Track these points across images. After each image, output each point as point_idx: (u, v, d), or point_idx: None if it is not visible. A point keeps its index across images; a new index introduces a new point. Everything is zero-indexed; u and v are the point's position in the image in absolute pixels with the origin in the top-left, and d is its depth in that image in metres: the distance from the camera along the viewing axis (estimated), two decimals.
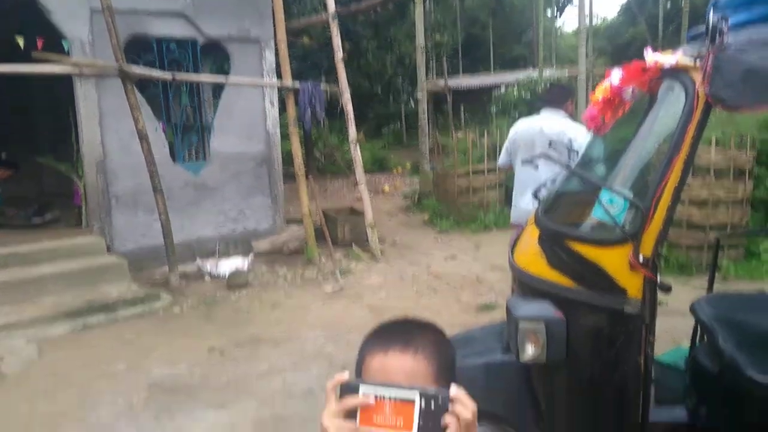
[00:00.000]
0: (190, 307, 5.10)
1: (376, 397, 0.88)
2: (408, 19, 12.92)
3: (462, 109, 19.26)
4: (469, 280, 5.68)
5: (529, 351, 1.94)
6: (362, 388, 0.89)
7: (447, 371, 1.02)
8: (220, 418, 3.15)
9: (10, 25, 5.34)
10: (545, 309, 1.96)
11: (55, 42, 5.53)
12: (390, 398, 0.88)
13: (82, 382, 3.61)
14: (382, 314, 4.75)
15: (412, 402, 0.87)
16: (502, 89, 15.52)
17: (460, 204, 8.34)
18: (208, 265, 6.11)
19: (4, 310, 4.60)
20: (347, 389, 0.90)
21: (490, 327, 2.64)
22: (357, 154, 6.90)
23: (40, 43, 5.27)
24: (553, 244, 2.03)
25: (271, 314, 4.89)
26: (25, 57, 5.17)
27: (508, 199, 8.51)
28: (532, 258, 2.11)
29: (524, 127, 3.99)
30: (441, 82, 18.67)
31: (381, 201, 10.68)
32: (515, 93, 14.35)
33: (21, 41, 5.16)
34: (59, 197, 7.26)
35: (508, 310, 2.12)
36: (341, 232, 7.20)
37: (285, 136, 7.39)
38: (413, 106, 21.73)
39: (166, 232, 5.58)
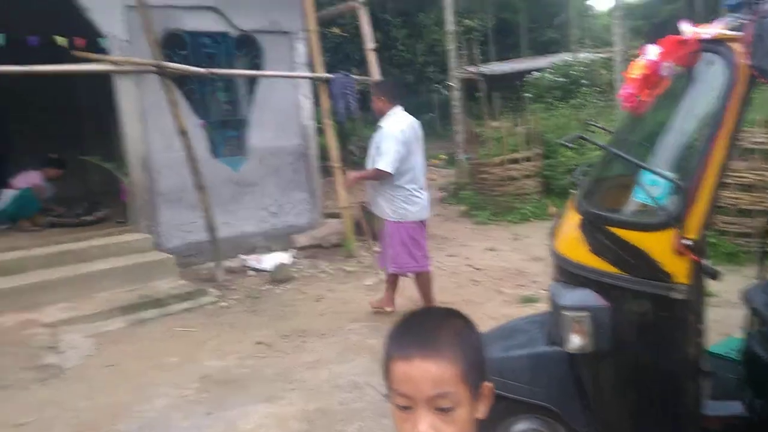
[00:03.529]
0: (236, 301, 5.25)
1: None
2: (437, 5, 12.80)
3: (495, 96, 19.03)
4: (509, 272, 5.67)
5: (574, 340, 1.95)
6: None
7: (475, 367, 0.98)
8: (270, 410, 3.26)
9: (51, 26, 5.51)
10: (589, 297, 1.96)
11: (95, 42, 5.70)
12: None
13: (138, 374, 3.77)
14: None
15: None
16: (535, 74, 15.29)
17: (498, 194, 8.29)
18: (252, 260, 6.26)
19: (62, 305, 4.83)
20: None
21: (533, 317, 2.66)
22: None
23: (81, 43, 5.42)
24: (595, 230, 2.01)
25: (315, 307, 5.00)
26: (67, 57, 5.34)
27: (547, 188, 8.43)
28: (573, 244, 2.10)
29: (407, 126, 4.27)
30: (473, 69, 18.49)
31: None
32: (549, 77, 14.12)
33: (63, 41, 5.32)
34: (106, 195, 7.53)
35: (551, 299, 2.13)
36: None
37: (320, 130, 7.47)
38: (445, 94, 21.60)
39: (211, 228, 5.74)
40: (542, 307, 4.61)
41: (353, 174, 4.47)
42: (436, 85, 18.99)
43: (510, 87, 18.50)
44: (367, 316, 4.68)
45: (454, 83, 10.06)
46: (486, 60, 21.67)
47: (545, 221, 7.73)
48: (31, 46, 5.13)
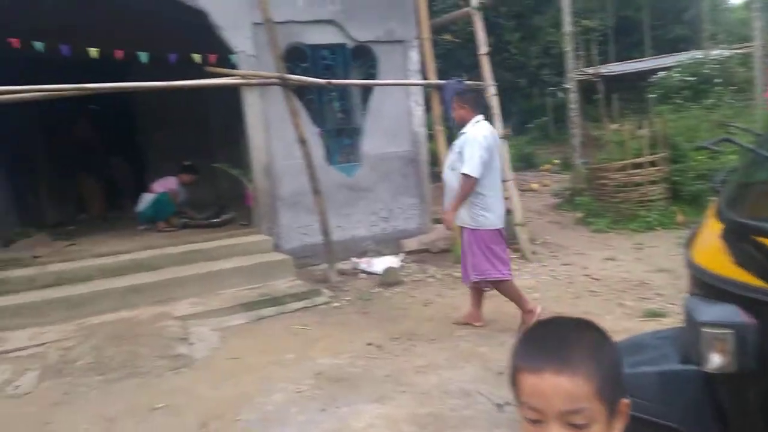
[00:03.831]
0: (348, 302, 5.39)
1: None
2: (554, 6, 12.39)
3: (614, 98, 18.05)
4: (631, 284, 5.32)
5: (714, 360, 1.77)
6: None
7: (611, 383, 0.93)
8: (380, 411, 3.29)
9: (185, 44, 6.01)
10: (733, 313, 1.78)
11: (226, 58, 6.14)
12: None
13: (258, 368, 3.97)
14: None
15: None
16: (661, 74, 14.30)
17: (618, 201, 7.82)
18: (363, 263, 6.40)
19: (191, 300, 5.23)
20: None
21: (663, 332, 2.45)
22: (504, 150, 6.78)
23: (212, 59, 5.88)
24: (739, 240, 1.83)
25: (424, 311, 5.00)
26: (200, 73, 5.80)
27: (674, 194, 7.83)
28: (714, 255, 1.92)
29: (490, 134, 4.30)
30: (591, 71, 17.67)
31: (529, 199, 10.38)
32: (677, 77, 13.13)
33: (197, 58, 5.79)
34: (233, 200, 8.07)
35: (688, 314, 1.96)
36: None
37: (429, 136, 7.49)
38: (560, 98, 20.84)
39: (326, 232, 5.96)
40: (667, 322, 4.29)
41: (448, 214, 4.37)
42: (551, 88, 18.39)
43: (631, 88, 17.46)
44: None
45: (570, 85, 9.67)
46: (605, 60, 20.62)
47: (673, 230, 7.18)
48: (158, 64, 5.63)
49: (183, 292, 5.33)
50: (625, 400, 0.96)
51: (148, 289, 5.24)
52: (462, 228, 4.43)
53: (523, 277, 5.78)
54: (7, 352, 4.38)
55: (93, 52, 5.26)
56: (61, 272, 5.38)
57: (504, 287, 4.40)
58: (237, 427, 3.21)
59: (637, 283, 5.32)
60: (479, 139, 4.18)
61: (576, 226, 8.05)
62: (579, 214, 8.38)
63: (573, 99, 9.71)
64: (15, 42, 5.06)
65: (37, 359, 4.24)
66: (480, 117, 4.40)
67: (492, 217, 4.29)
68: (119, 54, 5.53)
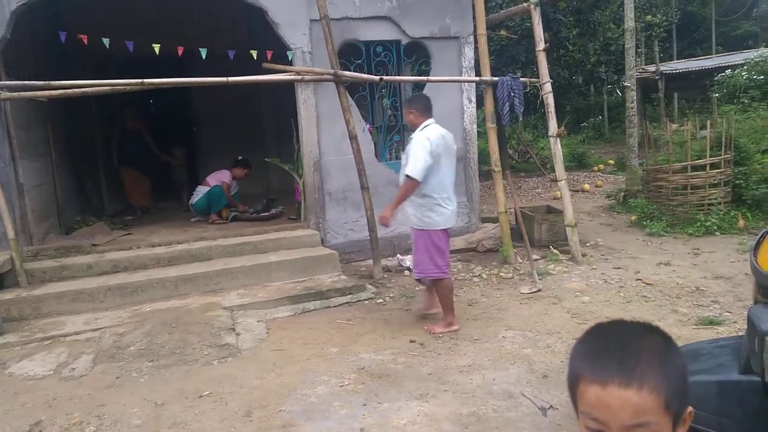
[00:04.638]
0: (391, 299, 5.38)
1: None
2: (615, 1, 11.98)
3: (676, 97, 17.37)
4: (686, 290, 5.10)
5: None
6: None
7: (678, 394, 0.87)
8: (423, 408, 3.27)
9: (244, 41, 6.14)
10: None
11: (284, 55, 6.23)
12: None
13: (302, 360, 4.02)
14: (585, 320, 4.50)
15: None
16: (726, 73, 13.67)
17: (676, 204, 7.51)
18: (407, 260, 6.38)
19: (240, 291, 5.34)
20: None
21: (722, 340, 2.34)
22: (557, 149, 6.61)
23: (269, 55, 5.98)
24: None
25: (468, 311, 4.94)
26: (255, 69, 5.89)
27: (736, 198, 7.46)
28: None
29: (441, 137, 4.37)
30: (651, 68, 17.05)
31: (581, 200, 10.11)
32: (744, 75, 12.52)
33: (255, 54, 5.90)
34: (282, 194, 8.21)
35: (751, 322, 1.85)
36: (538, 232, 6.99)
37: (479, 134, 7.39)
38: (618, 96, 20.18)
39: (372, 228, 5.96)
40: (724, 331, 4.10)
41: (386, 212, 4.53)
42: (609, 87, 17.84)
43: (694, 87, 16.77)
44: (524, 324, 4.51)
45: (630, 83, 9.34)
46: (667, 58, 19.86)
47: (733, 236, 6.85)
48: (215, 60, 5.76)
49: (232, 282, 5.45)
50: (690, 408, 0.91)
51: (199, 279, 5.38)
52: (411, 227, 4.59)
53: (572, 280, 5.64)
54: (64, 335, 4.59)
55: (156, 48, 5.43)
56: (117, 260, 5.59)
57: (441, 286, 4.49)
58: (280, 417, 3.25)
59: (693, 289, 5.10)
60: (424, 143, 4.29)
61: (629, 229, 7.79)
62: (633, 217, 8.10)
63: (632, 97, 9.37)
64: (84, 38, 5.28)
65: (92, 343, 4.42)
66: (430, 121, 4.50)
67: (438, 219, 4.39)
68: (180, 50, 5.69)
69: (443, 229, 4.44)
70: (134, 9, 7.72)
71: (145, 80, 5.21)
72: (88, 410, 3.42)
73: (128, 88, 5.33)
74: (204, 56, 5.68)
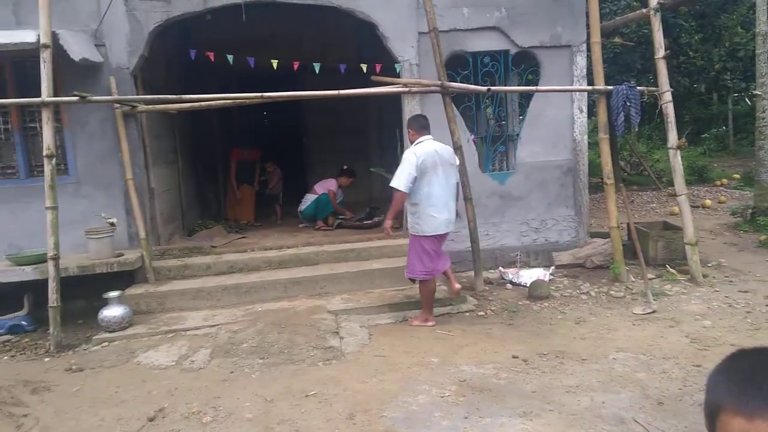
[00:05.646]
0: (493, 312, 5.30)
1: None
2: (744, 3, 11.05)
3: None
4: None
5: None
6: None
7: None
8: (526, 426, 3.18)
9: (352, 55, 6.33)
10: None
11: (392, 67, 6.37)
12: None
13: (404, 368, 4.05)
14: (707, 346, 4.19)
15: None
16: None
17: None
18: (510, 274, 6.26)
19: (344, 296, 5.51)
20: None
21: None
22: (677, 162, 6.19)
23: (378, 68, 6.13)
24: None
25: (575, 329, 4.75)
26: (363, 81, 6.07)
27: None
28: None
29: (431, 152, 4.81)
30: None
31: (701, 217, 9.39)
32: None
33: (364, 67, 6.07)
34: (385, 202, 8.33)
35: None
36: (653, 249, 6.58)
37: (589, 144, 7.09)
38: (744, 105, 18.55)
39: (474, 239, 5.91)
40: None
41: (386, 222, 5.10)
42: (736, 95, 16.47)
43: None
44: (636, 346, 4.26)
45: (761, 92, 8.56)
46: None
47: None
48: (325, 73, 5.99)
49: (336, 287, 5.63)
50: None
51: (306, 282, 5.62)
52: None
53: (691, 302, 5.25)
54: (185, 329, 4.97)
55: (274, 63, 5.77)
56: (233, 262, 5.97)
57: (425, 285, 4.93)
58: (382, 422, 3.30)
59: None
60: (410, 158, 4.77)
61: (758, 250, 7.12)
62: (762, 236, 7.41)
63: (763, 107, 8.58)
64: (211, 55, 5.72)
65: (210, 339, 4.75)
66: (425, 137, 4.94)
67: (425, 226, 4.84)
68: (296, 65, 6.00)
69: (433, 236, 4.85)
70: (253, 27, 8.24)
71: (264, 93, 5.54)
72: (205, 401, 3.67)
73: (248, 101, 5.69)
74: (317, 70, 5.94)
